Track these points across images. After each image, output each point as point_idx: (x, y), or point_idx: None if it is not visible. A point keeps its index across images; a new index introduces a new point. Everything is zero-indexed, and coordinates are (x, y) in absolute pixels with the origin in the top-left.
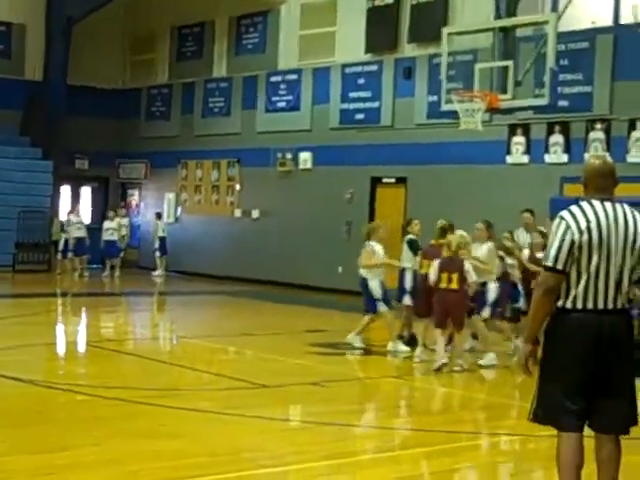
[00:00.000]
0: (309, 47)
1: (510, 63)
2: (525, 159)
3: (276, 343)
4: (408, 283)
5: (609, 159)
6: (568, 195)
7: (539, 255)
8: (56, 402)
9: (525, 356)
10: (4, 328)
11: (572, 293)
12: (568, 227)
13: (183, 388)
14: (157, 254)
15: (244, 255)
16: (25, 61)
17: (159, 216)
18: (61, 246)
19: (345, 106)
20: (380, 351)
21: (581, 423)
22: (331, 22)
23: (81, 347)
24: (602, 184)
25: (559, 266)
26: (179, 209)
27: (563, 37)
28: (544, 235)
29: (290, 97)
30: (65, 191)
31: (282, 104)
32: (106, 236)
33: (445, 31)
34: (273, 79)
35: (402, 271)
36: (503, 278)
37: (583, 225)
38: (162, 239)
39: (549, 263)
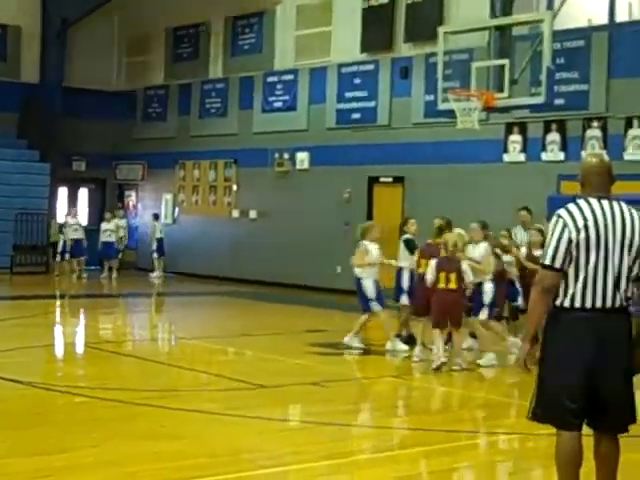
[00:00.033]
0: (305, 47)
1: (506, 62)
2: (522, 157)
3: (275, 343)
4: (405, 282)
5: (606, 157)
6: (565, 193)
7: (537, 253)
8: (55, 404)
9: (524, 354)
10: (3, 330)
11: (570, 291)
12: (565, 225)
13: (182, 389)
14: (155, 255)
15: (242, 256)
16: (21, 63)
17: (156, 217)
18: (60, 248)
19: (342, 106)
20: (379, 351)
21: (580, 421)
22: (327, 22)
23: (80, 349)
24: (599, 182)
25: (557, 264)
26: (177, 210)
27: (559, 35)
28: (542, 232)
29: (287, 97)
30: (62, 193)
31: (279, 104)
32: (104, 237)
33: (441, 30)
34: (269, 79)
35: (399, 270)
36: (500, 277)
37: (580, 223)
38: (160, 240)
39: (547, 262)
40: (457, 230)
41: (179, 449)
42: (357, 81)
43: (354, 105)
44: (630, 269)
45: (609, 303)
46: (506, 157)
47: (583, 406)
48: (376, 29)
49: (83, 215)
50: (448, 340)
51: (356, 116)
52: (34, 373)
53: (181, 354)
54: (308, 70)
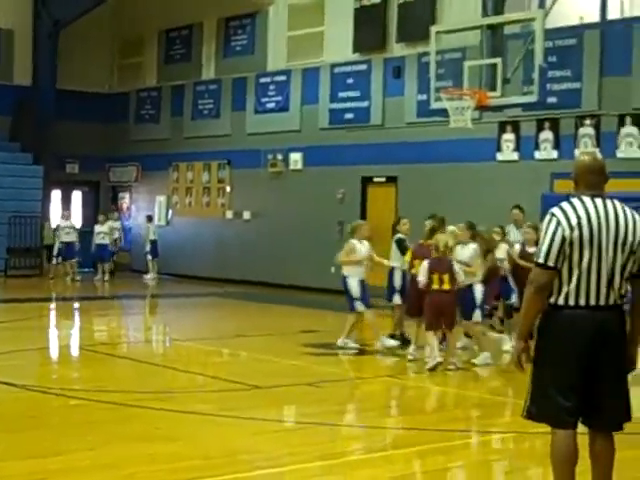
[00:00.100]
0: (297, 48)
1: (499, 60)
2: (515, 156)
3: (270, 344)
4: (397, 282)
5: (599, 155)
6: (559, 191)
7: (531, 250)
8: (50, 407)
9: (518, 353)
10: None
11: (564, 290)
12: (559, 223)
13: (177, 391)
14: (149, 257)
15: (236, 257)
16: (14, 66)
17: (150, 219)
18: (55, 251)
19: (334, 106)
20: (373, 351)
21: (575, 420)
22: (319, 22)
23: (74, 351)
24: (592, 180)
25: (550, 263)
26: (170, 212)
27: (551, 34)
28: (536, 230)
29: (279, 98)
30: (56, 195)
31: (271, 105)
32: (98, 240)
33: (433, 30)
34: (262, 80)
35: (391, 270)
36: (493, 273)
37: (574, 221)
38: (153, 242)
39: (540, 260)
40: (450, 228)
41: (174, 451)
42: (350, 81)
43: (347, 105)
44: (624, 267)
45: (603, 301)
46: (499, 156)
47: (578, 404)
48: (368, 29)
49: (77, 217)
50: (443, 339)
51: (349, 116)
52: (28, 376)
53: (176, 356)
54: (301, 71)
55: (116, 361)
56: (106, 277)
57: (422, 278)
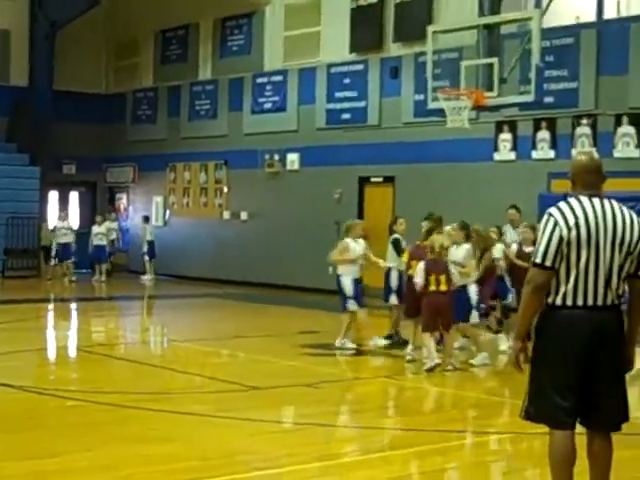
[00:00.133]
0: (294, 48)
1: (495, 60)
2: (512, 156)
3: (268, 345)
4: (394, 282)
5: (596, 155)
6: (556, 191)
7: (528, 249)
8: (47, 408)
9: (516, 353)
10: None
11: (562, 290)
12: (556, 223)
13: (175, 392)
14: (146, 258)
15: (233, 257)
16: (10, 67)
17: (147, 220)
18: (53, 252)
19: (331, 106)
20: (371, 351)
21: (573, 420)
22: (315, 22)
23: (72, 352)
24: (590, 180)
25: (547, 263)
26: (167, 212)
27: (547, 33)
28: (534, 229)
29: (276, 98)
30: (53, 196)
31: (268, 105)
32: (95, 241)
33: (430, 29)
34: (259, 80)
35: (388, 271)
36: (490, 273)
37: (571, 221)
38: (150, 243)
39: (538, 260)
40: (447, 228)
41: (172, 452)
42: (347, 81)
43: (344, 105)
44: (621, 267)
45: (601, 301)
46: (496, 156)
47: (576, 405)
48: (365, 29)
49: (74, 218)
50: (440, 340)
51: (346, 116)
52: (26, 377)
53: (173, 357)
54: (297, 71)
55: (113, 362)
56: (103, 278)
57: (419, 280)
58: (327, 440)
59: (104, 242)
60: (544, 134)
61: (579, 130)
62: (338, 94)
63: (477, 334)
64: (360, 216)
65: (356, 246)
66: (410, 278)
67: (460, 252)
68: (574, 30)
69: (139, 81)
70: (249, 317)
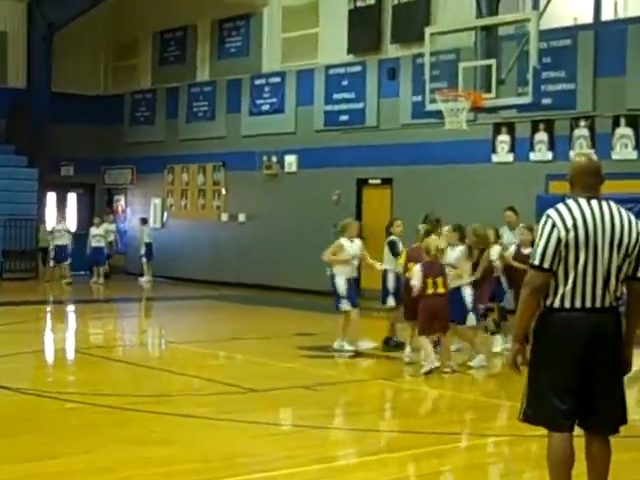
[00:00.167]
0: (292, 49)
1: (493, 62)
2: (510, 157)
3: (266, 347)
4: (391, 284)
5: (595, 157)
6: (554, 192)
7: (526, 251)
8: (46, 410)
9: (513, 354)
10: None
11: (560, 292)
12: (554, 225)
13: (173, 394)
14: (143, 260)
15: (231, 259)
16: (8, 68)
17: (144, 222)
18: (51, 254)
19: (329, 108)
20: (369, 353)
21: (571, 422)
22: (313, 24)
23: (70, 354)
24: (588, 182)
25: (545, 265)
26: (165, 214)
27: (545, 35)
28: (531, 230)
29: (274, 100)
30: (51, 198)
31: (266, 107)
32: (93, 243)
33: (428, 31)
34: (257, 82)
35: (385, 273)
36: (488, 274)
37: (569, 223)
38: (148, 245)
39: (536, 262)
40: (445, 228)
41: (171, 454)
42: (344, 83)
43: (342, 107)
44: (619, 269)
45: (599, 303)
46: (494, 157)
47: (574, 407)
48: (363, 30)
49: (72, 220)
50: (437, 343)
51: (344, 118)
52: (24, 379)
53: (171, 359)
54: (295, 72)
55: (112, 364)
56: (101, 280)
57: (417, 282)
58: (325, 442)
59: (102, 244)
60: (542, 136)
61: (577, 132)
62: (336, 96)
63: (473, 336)
64: (358, 218)
65: (351, 246)
66: (408, 280)
67: (453, 254)
68: (572, 32)
69: (137, 82)
70: (247, 319)
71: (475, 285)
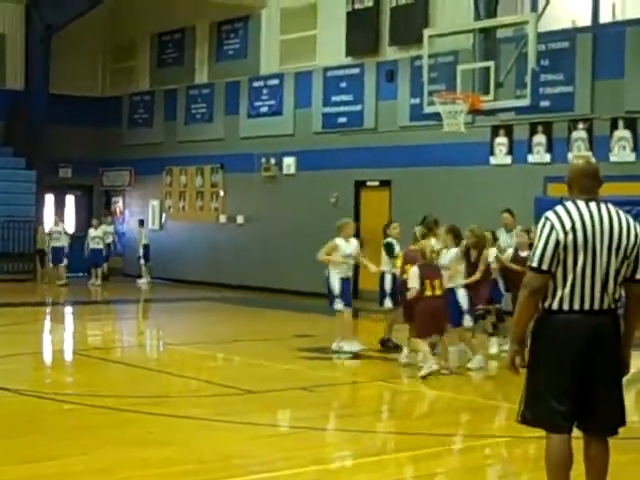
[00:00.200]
0: (290, 51)
1: (491, 64)
2: (508, 160)
3: (264, 349)
4: (388, 286)
5: (593, 159)
6: (552, 195)
7: (524, 254)
8: (44, 411)
9: (512, 356)
10: None
11: (558, 294)
12: (553, 227)
13: (171, 395)
14: (141, 261)
15: (229, 261)
16: (6, 70)
17: (142, 223)
18: (49, 255)
19: (327, 110)
20: (368, 355)
21: (569, 424)
22: (312, 26)
23: (68, 356)
24: (586, 184)
25: (544, 267)
26: (164, 216)
27: (543, 37)
28: (529, 233)
29: (272, 102)
30: (49, 200)
31: (264, 109)
32: (92, 244)
33: (426, 33)
34: (255, 84)
35: (382, 274)
36: (487, 275)
37: (568, 225)
38: (146, 246)
39: (534, 264)
40: (443, 229)
41: (168, 455)
42: (343, 85)
43: (340, 109)
44: (618, 271)
45: (597, 305)
46: (492, 160)
47: (572, 409)
48: (361, 33)
49: (70, 222)
50: (434, 345)
51: (342, 120)
52: (22, 380)
53: (169, 360)
54: (293, 74)
55: (110, 366)
56: (99, 281)
57: (415, 284)
58: (323, 444)
59: (100, 246)
60: (540, 138)
61: (575, 134)
62: (334, 98)
63: (470, 337)
64: (356, 220)
65: (347, 246)
66: (405, 282)
67: (447, 255)
68: (570, 34)
69: (135, 84)
70: (245, 321)
71: (474, 286)
